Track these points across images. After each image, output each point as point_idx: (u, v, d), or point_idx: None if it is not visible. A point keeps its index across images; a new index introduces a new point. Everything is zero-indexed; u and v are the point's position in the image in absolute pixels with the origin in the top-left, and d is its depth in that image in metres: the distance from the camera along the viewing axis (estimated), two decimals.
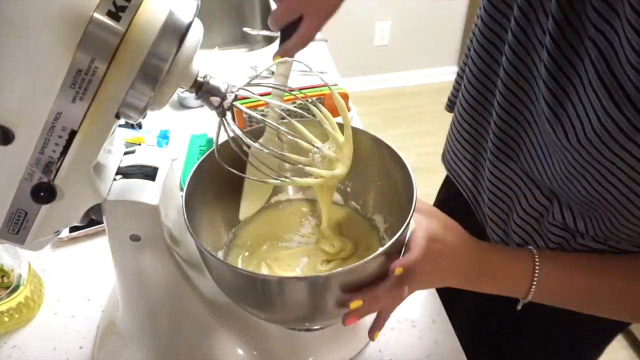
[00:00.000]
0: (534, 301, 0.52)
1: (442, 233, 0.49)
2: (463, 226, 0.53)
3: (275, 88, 0.54)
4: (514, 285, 0.52)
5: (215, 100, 0.43)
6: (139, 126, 0.95)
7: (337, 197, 0.66)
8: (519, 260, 0.52)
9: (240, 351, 0.58)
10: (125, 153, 0.50)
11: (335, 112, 0.52)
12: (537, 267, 0.51)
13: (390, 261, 0.46)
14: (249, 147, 0.46)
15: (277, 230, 0.65)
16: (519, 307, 0.54)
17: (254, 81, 0.47)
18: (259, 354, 0.59)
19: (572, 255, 0.54)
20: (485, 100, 0.59)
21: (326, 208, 0.58)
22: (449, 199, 0.78)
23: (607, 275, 0.51)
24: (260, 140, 0.58)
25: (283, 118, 0.51)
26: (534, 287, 0.51)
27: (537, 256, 0.51)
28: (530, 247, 0.53)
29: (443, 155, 0.74)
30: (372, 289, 0.46)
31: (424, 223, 0.49)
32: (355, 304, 0.45)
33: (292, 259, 0.60)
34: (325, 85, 0.48)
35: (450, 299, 0.68)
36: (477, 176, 0.65)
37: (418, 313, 0.66)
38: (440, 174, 0.79)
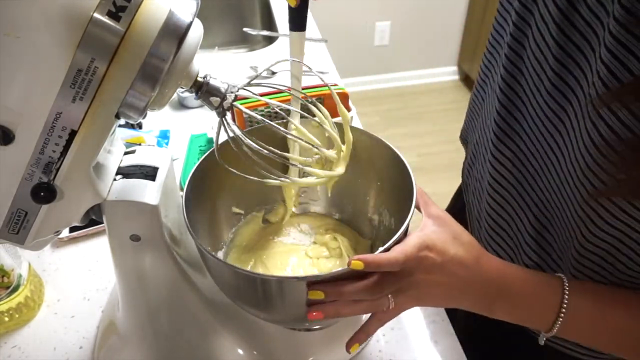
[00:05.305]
0: (557, 336, 0.46)
1: (442, 244, 0.43)
2: None
3: (274, 88, 0.54)
4: (538, 316, 0.46)
5: (215, 100, 0.43)
6: (139, 126, 0.95)
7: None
8: (546, 287, 0.45)
9: (240, 351, 0.58)
10: (125, 153, 0.50)
11: (335, 112, 0.52)
12: (565, 298, 0.44)
13: None
14: (248, 147, 0.46)
15: (276, 226, 0.65)
16: (541, 342, 0.48)
17: (254, 81, 0.47)
18: (259, 354, 0.59)
19: (608, 288, 0.47)
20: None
21: None
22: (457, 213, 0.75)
23: None
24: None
25: (289, 114, 0.51)
26: (560, 320, 0.44)
27: (567, 285, 0.45)
28: (560, 275, 0.46)
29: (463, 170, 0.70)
30: (339, 283, 0.41)
31: (425, 230, 0.44)
32: (314, 294, 0.41)
33: (284, 256, 0.61)
34: (325, 85, 0.49)
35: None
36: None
37: (418, 313, 0.66)
38: (440, 173, 0.79)
